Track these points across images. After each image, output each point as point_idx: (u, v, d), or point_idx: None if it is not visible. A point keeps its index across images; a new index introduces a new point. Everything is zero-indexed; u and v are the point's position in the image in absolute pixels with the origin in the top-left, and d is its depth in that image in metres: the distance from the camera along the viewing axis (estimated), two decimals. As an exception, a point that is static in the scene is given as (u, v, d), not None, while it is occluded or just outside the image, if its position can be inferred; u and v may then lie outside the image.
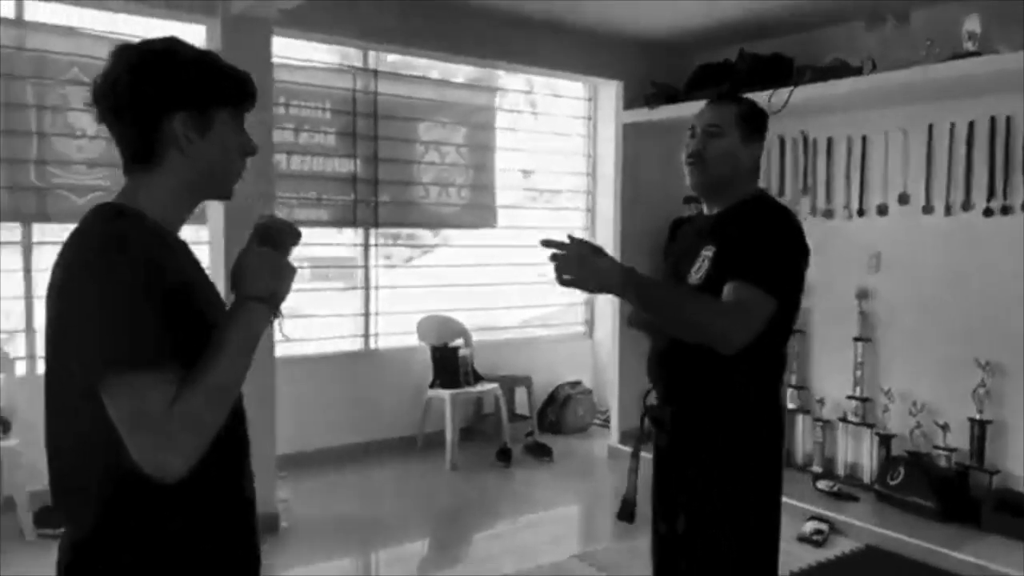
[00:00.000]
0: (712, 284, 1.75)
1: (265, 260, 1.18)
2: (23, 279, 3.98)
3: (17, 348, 3.98)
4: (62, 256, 1.14)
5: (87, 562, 1.15)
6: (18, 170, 3.87)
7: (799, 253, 1.80)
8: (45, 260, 4.04)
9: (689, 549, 1.86)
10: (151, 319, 1.08)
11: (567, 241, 1.63)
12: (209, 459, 1.11)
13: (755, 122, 1.90)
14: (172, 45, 1.20)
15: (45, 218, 3.98)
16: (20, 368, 3.96)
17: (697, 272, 1.81)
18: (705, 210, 1.95)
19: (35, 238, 4.00)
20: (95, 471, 1.14)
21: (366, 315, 5.05)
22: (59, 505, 1.20)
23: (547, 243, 1.63)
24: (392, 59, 5.15)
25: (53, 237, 4.09)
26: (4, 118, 3.83)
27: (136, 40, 1.21)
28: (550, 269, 1.63)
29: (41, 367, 3.89)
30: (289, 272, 1.20)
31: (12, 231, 3.98)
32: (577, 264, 1.61)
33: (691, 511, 1.86)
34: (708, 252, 1.80)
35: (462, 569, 3.56)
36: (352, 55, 4.98)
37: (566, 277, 1.61)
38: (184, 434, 1.07)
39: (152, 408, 1.05)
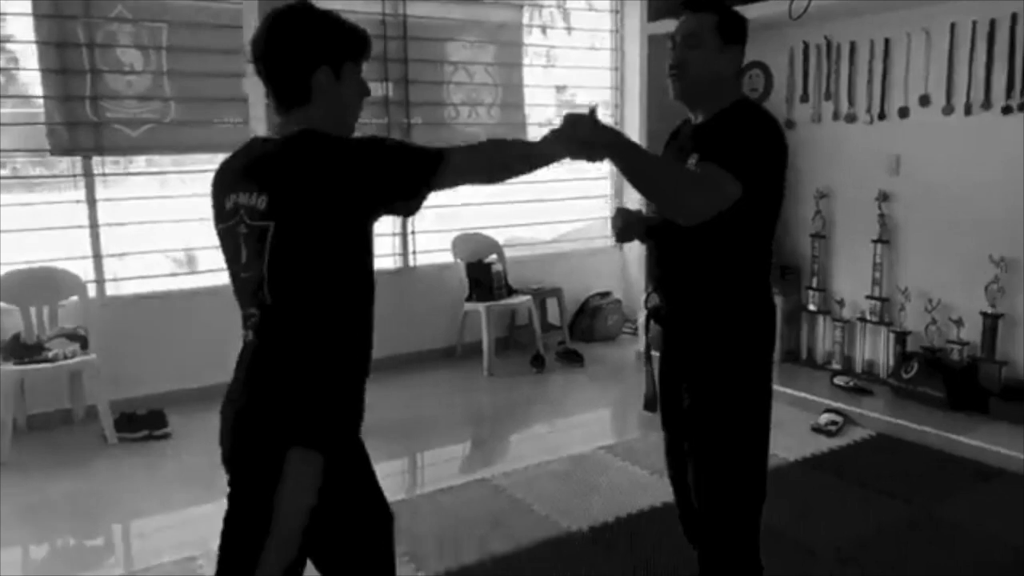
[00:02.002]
0: None
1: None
2: (87, 209, 4.31)
3: (87, 272, 4.32)
4: (299, 161, 1.45)
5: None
6: (75, 106, 4.15)
7: (775, 152, 1.90)
8: (105, 192, 4.36)
9: (693, 424, 2.08)
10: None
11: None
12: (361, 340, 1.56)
13: (733, 30, 1.95)
14: (311, 11, 1.52)
15: (102, 151, 4.27)
16: (91, 290, 4.32)
17: None
18: (692, 119, 2.04)
19: (95, 170, 4.30)
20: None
21: (403, 234, 5.30)
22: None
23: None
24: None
25: (110, 169, 4.41)
26: (59, 57, 4.08)
27: (279, 5, 1.52)
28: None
29: (109, 289, 4.28)
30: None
31: (73, 164, 4.28)
32: (585, 125, 1.72)
33: (694, 391, 2.08)
34: (692, 160, 1.91)
35: (499, 465, 3.83)
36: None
37: (580, 138, 1.72)
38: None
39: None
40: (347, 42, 1.54)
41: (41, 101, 4.14)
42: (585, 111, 1.73)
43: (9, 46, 4.14)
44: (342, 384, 1.55)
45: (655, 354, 2.26)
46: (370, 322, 1.59)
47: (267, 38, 1.50)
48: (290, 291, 1.47)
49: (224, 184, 1.55)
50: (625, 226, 2.13)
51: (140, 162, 4.71)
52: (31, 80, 4.21)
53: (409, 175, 1.50)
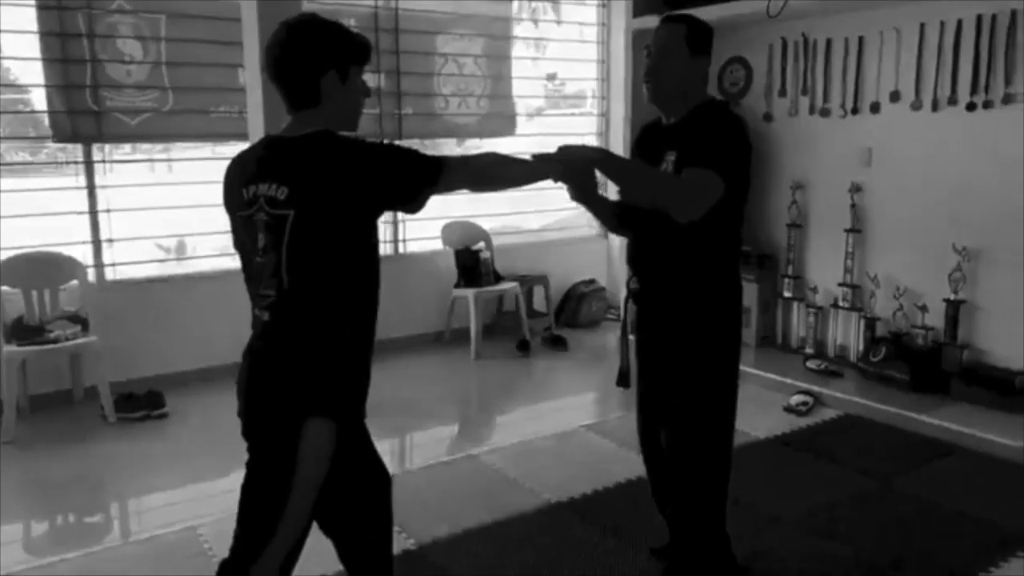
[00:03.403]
0: None
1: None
2: (86, 196, 4.43)
3: (86, 257, 4.45)
4: (318, 158, 1.61)
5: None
6: (76, 95, 4.27)
7: (745, 149, 2.14)
8: (105, 179, 4.49)
9: (670, 392, 2.27)
10: None
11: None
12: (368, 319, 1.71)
13: (701, 40, 2.17)
14: (319, 22, 1.68)
15: (102, 139, 4.40)
16: (91, 275, 4.45)
17: None
18: (663, 119, 2.25)
19: (94, 157, 4.43)
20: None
21: (395, 222, 5.46)
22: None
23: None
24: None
25: (108, 156, 4.54)
26: (62, 47, 4.21)
27: (294, 16, 1.70)
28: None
29: (108, 274, 4.42)
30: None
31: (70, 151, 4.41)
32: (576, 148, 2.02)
33: (670, 364, 2.27)
34: (671, 157, 2.14)
35: (485, 443, 4.00)
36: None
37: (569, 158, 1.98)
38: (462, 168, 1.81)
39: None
40: (351, 48, 1.70)
41: (28, 89, 4.30)
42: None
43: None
44: (351, 359, 1.71)
45: (631, 337, 2.44)
46: (375, 303, 1.74)
47: (280, 47, 1.66)
48: (305, 274, 1.63)
49: (242, 175, 1.71)
50: (579, 188, 2.21)
51: (129, 149, 4.84)
52: (16, 68, 4.33)
53: (413, 180, 1.68)
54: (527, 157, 1.97)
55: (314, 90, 1.66)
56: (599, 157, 2.04)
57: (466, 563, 2.71)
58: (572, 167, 1.98)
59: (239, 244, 1.74)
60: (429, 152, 1.79)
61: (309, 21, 1.70)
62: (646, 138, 2.34)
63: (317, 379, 1.65)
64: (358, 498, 1.82)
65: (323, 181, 1.59)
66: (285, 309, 1.65)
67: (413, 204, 1.72)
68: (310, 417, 1.62)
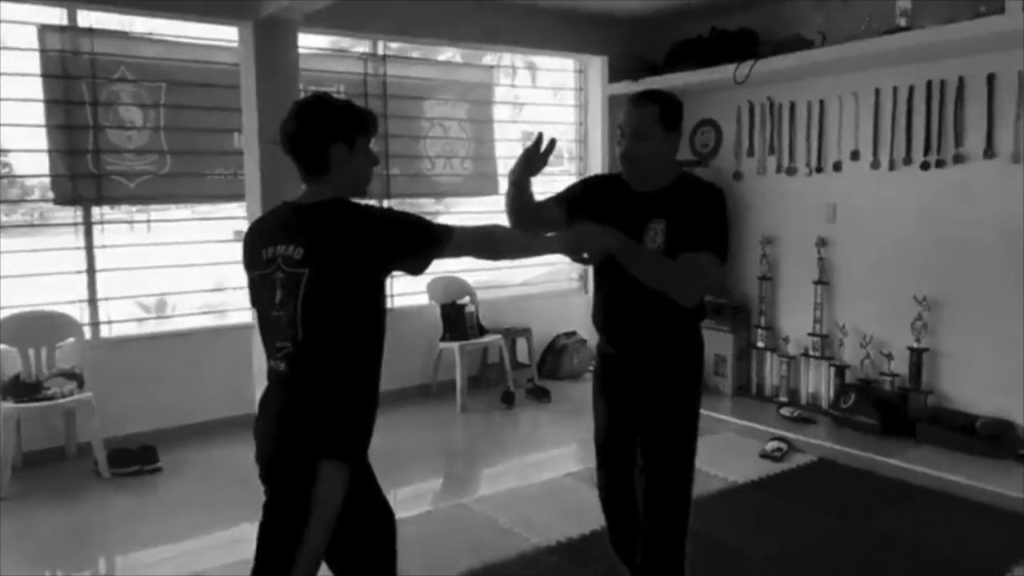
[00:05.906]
0: (669, 252, 2.18)
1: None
2: (85, 255, 4.58)
3: (83, 316, 4.57)
4: (331, 223, 1.78)
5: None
6: (78, 160, 4.45)
7: (729, 222, 2.27)
8: (103, 239, 4.64)
9: (649, 439, 2.34)
10: None
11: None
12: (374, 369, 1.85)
13: (673, 118, 2.25)
14: (327, 100, 1.89)
15: (101, 201, 4.57)
16: (87, 332, 4.56)
17: (653, 242, 2.22)
18: (634, 186, 2.30)
19: (94, 219, 4.59)
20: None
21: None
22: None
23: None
24: (398, 45, 5.66)
25: (108, 218, 4.70)
26: (65, 114, 4.40)
27: (304, 97, 1.92)
28: None
29: (104, 331, 4.52)
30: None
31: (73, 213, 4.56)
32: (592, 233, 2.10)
33: (645, 415, 2.36)
34: (659, 225, 2.20)
35: (474, 492, 4.11)
36: (362, 42, 5.49)
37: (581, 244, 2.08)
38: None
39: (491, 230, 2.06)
40: (356, 122, 1.87)
41: (6, 152, 4.54)
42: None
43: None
44: (361, 404, 1.85)
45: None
46: (381, 352, 1.89)
47: (293, 123, 1.85)
48: (318, 326, 1.78)
49: (262, 237, 1.88)
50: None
51: (109, 209, 4.97)
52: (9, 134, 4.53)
53: (418, 246, 1.84)
54: (549, 234, 2.12)
55: (324, 160, 1.84)
56: (616, 246, 2.08)
57: (457, 605, 2.82)
58: (583, 250, 2.08)
59: (256, 301, 1.90)
60: (428, 217, 1.96)
61: (316, 100, 1.90)
62: (617, 197, 2.34)
63: (330, 424, 1.79)
64: (364, 536, 1.94)
65: (335, 244, 1.77)
66: (299, 359, 1.80)
67: (416, 268, 1.89)
68: (325, 459, 1.76)
